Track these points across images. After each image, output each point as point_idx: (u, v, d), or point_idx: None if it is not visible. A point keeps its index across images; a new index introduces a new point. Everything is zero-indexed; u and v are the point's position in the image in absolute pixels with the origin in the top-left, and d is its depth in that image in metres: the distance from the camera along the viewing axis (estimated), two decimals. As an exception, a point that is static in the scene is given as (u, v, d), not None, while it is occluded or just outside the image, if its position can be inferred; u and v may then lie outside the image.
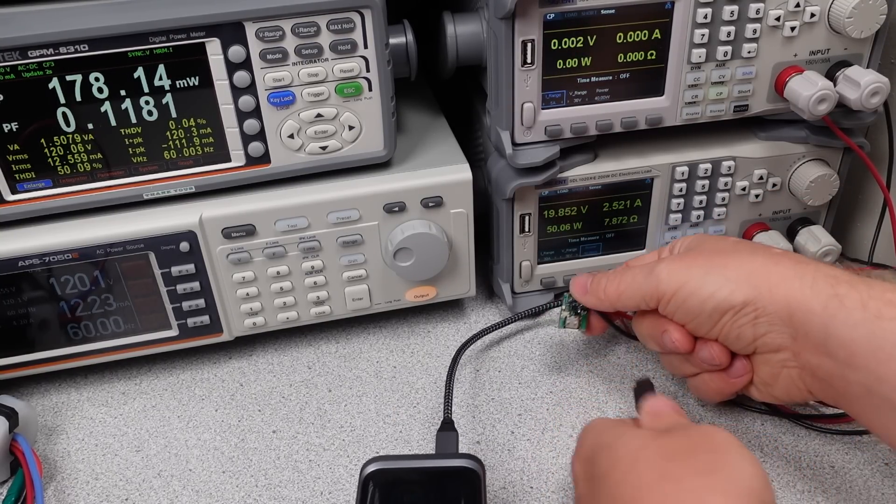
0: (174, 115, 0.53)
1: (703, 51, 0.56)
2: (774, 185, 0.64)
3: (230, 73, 0.51)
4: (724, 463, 0.38)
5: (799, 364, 0.46)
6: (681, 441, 0.41)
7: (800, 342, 0.45)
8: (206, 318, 0.60)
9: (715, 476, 0.38)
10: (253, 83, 0.52)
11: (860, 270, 0.68)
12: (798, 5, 0.55)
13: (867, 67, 0.58)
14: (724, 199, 0.64)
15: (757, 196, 0.64)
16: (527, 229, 0.63)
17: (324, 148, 0.56)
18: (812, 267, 0.46)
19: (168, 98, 0.52)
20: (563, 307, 0.58)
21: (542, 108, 0.57)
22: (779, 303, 0.45)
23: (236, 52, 0.51)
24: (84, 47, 0.49)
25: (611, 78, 0.57)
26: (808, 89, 0.55)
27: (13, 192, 0.53)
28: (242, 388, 0.62)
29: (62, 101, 0.50)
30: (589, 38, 0.55)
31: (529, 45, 0.54)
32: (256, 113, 0.53)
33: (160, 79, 0.51)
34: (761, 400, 0.51)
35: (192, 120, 0.53)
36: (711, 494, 0.36)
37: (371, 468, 0.46)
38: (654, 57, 0.56)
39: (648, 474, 0.39)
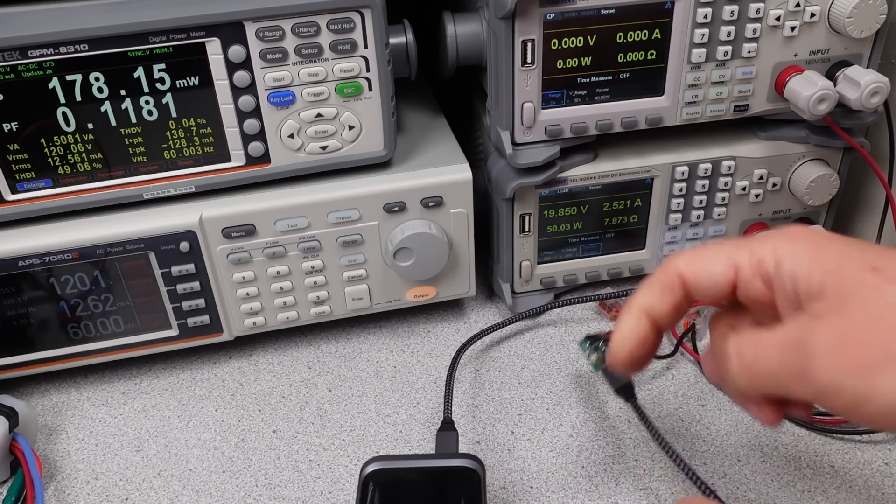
0: (174, 114, 0.53)
1: (703, 51, 0.56)
2: (774, 184, 0.64)
3: (230, 73, 0.51)
4: None
5: None
6: None
7: None
8: (206, 318, 0.60)
9: None
10: (253, 83, 0.52)
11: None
12: (798, 5, 0.55)
13: (867, 67, 0.58)
14: (724, 198, 0.64)
15: (757, 196, 0.64)
16: (527, 229, 0.63)
17: (324, 148, 0.56)
18: None
19: (168, 98, 0.52)
20: (589, 351, 0.54)
21: (542, 108, 0.57)
22: None
23: (236, 51, 0.51)
24: (84, 47, 0.49)
25: (611, 78, 0.57)
26: (808, 89, 0.55)
27: (13, 191, 0.53)
28: (242, 388, 0.62)
29: (62, 100, 0.50)
30: (589, 37, 0.55)
31: (529, 44, 0.54)
32: (256, 113, 0.53)
33: (160, 79, 0.51)
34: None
35: (192, 120, 0.53)
36: None
37: (371, 468, 0.46)
38: (654, 57, 0.56)
39: None
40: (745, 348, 0.34)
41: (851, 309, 0.31)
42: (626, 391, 0.54)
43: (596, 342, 0.56)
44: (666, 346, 0.64)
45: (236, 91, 0.52)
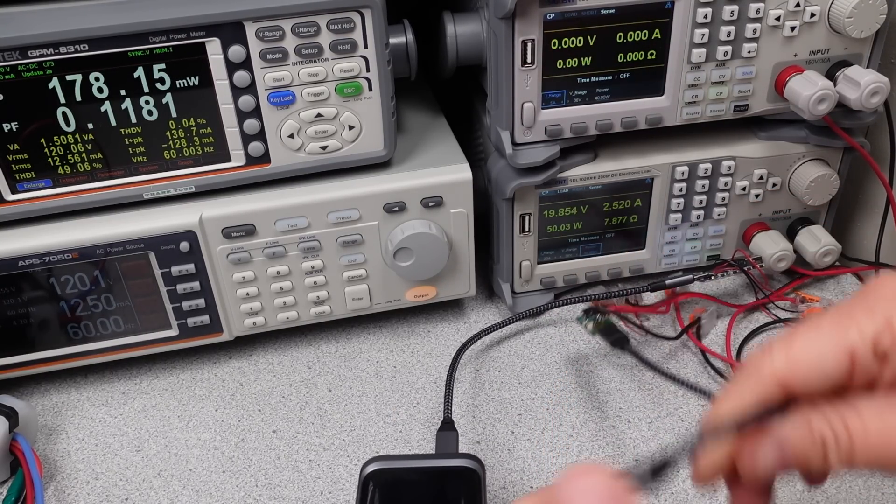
0: (174, 114, 0.53)
1: (703, 51, 0.56)
2: (774, 184, 0.64)
3: (230, 73, 0.51)
4: None
5: None
6: None
7: None
8: (206, 318, 0.60)
9: None
10: (253, 83, 0.52)
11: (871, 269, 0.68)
12: (798, 5, 0.55)
13: (867, 67, 0.58)
14: (724, 198, 0.64)
15: (757, 196, 0.64)
16: (527, 229, 0.63)
17: (324, 148, 0.56)
18: None
19: (168, 98, 0.52)
20: (585, 322, 0.58)
21: (542, 108, 0.57)
22: None
23: (236, 51, 0.51)
24: (84, 47, 0.49)
25: (611, 78, 0.57)
26: (808, 89, 0.55)
27: (13, 191, 0.53)
28: (242, 388, 0.62)
29: (62, 100, 0.50)
30: (589, 37, 0.55)
31: (529, 44, 0.54)
32: (256, 113, 0.53)
33: (160, 79, 0.51)
34: None
35: (192, 120, 0.53)
36: None
37: (371, 468, 0.46)
38: (654, 57, 0.56)
39: None
40: (871, 422, 0.28)
41: None
42: (621, 342, 0.58)
43: (593, 314, 0.60)
44: (668, 331, 0.64)
45: (236, 91, 0.52)
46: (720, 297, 0.66)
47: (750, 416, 0.30)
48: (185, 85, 0.52)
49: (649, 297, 0.66)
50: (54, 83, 0.50)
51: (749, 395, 0.30)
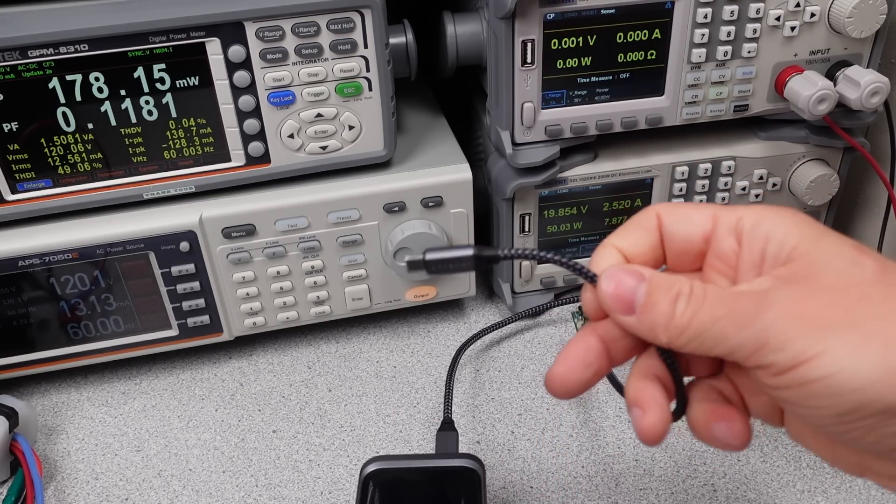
0: (174, 114, 0.53)
1: (703, 51, 0.56)
2: (774, 185, 0.64)
3: (230, 73, 0.51)
4: None
5: None
6: None
7: None
8: (206, 318, 0.60)
9: None
10: (253, 83, 0.52)
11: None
12: (798, 5, 0.55)
13: (867, 67, 0.58)
14: (724, 199, 0.64)
15: (757, 196, 0.64)
16: (527, 229, 0.63)
17: (324, 148, 0.56)
18: None
19: (168, 98, 0.52)
20: (578, 320, 0.61)
21: (542, 108, 0.57)
22: None
23: (236, 51, 0.51)
24: (84, 47, 0.49)
25: (611, 78, 0.57)
26: (808, 89, 0.55)
27: (13, 191, 0.53)
28: (242, 388, 0.62)
29: (62, 100, 0.50)
30: (589, 37, 0.55)
31: (529, 44, 0.54)
32: (256, 113, 0.53)
33: (160, 79, 0.51)
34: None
35: (192, 120, 0.53)
36: None
37: (371, 468, 0.46)
38: (654, 57, 0.56)
39: None
40: (695, 289, 0.30)
41: (823, 273, 0.29)
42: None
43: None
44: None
45: (236, 91, 0.52)
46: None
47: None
48: (185, 85, 0.52)
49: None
50: (54, 83, 0.50)
51: (632, 223, 0.34)
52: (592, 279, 0.32)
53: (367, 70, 0.53)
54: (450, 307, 0.68)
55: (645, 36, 0.55)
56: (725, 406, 0.33)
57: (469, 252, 0.34)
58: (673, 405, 0.33)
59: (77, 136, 0.52)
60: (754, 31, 0.55)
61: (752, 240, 0.31)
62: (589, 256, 0.66)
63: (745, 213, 0.32)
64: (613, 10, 0.54)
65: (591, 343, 0.33)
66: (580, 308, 0.63)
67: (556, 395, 0.33)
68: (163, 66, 0.51)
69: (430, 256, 0.34)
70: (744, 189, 0.63)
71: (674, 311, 0.30)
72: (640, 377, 0.33)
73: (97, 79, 0.50)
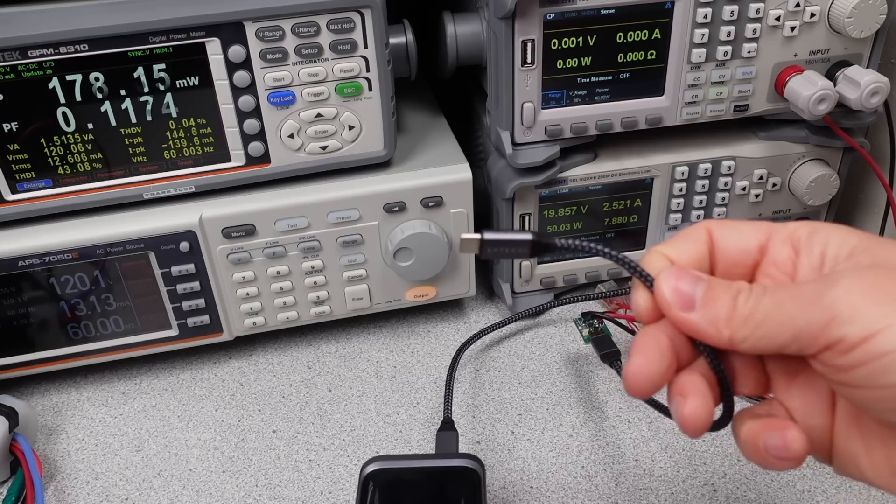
0: (174, 114, 0.53)
1: (703, 51, 0.56)
2: (774, 184, 0.64)
3: (230, 73, 0.51)
4: None
5: None
6: None
7: None
8: (206, 318, 0.60)
9: None
10: (253, 83, 0.52)
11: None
12: (798, 5, 0.55)
13: (867, 67, 0.58)
14: (724, 198, 0.64)
15: (757, 196, 0.64)
16: (527, 229, 0.63)
17: (324, 148, 0.56)
18: None
19: (168, 98, 0.52)
20: (582, 327, 0.62)
21: (542, 108, 0.57)
22: None
23: (236, 51, 0.51)
24: (84, 47, 0.49)
25: (611, 78, 0.57)
26: (808, 89, 0.55)
27: (13, 191, 0.53)
28: (242, 388, 0.62)
29: (62, 100, 0.50)
30: (589, 38, 0.55)
31: (529, 44, 0.54)
32: (256, 113, 0.53)
33: (160, 79, 0.51)
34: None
35: (192, 120, 0.53)
36: None
37: (371, 468, 0.46)
38: (654, 57, 0.56)
39: None
40: (755, 286, 0.30)
41: (888, 260, 0.29)
42: (611, 357, 0.59)
43: (591, 319, 0.63)
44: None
45: (236, 91, 0.52)
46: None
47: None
48: (185, 85, 0.52)
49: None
50: (54, 83, 0.50)
51: (681, 235, 0.34)
52: (647, 279, 0.32)
53: (367, 70, 0.53)
54: (450, 307, 0.68)
55: (645, 36, 0.55)
56: (776, 419, 0.32)
57: (527, 237, 0.33)
58: (719, 411, 0.32)
59: (77, 136, 0.52)
60: (754, 31, 0.55)
61: (811, 245, 0.31)
62: (589, 256, 0.66)
63: (798, 225, 0.33)
64: (613, 10, 0.54)
65: (657, 335, 0.32)
66: (583, 314, 0.63)
67: (637, 390, 0.32)
68: (163, 66, 0.51)
69: (487, 236, 0.33)
70: (744, 189, 0.63)
71: (735, 304, 0.30)
72: (683, 374, 0.32)
73: (97, 79, 0.50)
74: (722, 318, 0.30)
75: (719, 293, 0.31)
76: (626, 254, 0.33)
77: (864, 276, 0.28)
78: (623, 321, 0.62)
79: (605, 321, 0.63)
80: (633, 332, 0.62)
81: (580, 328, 0.64)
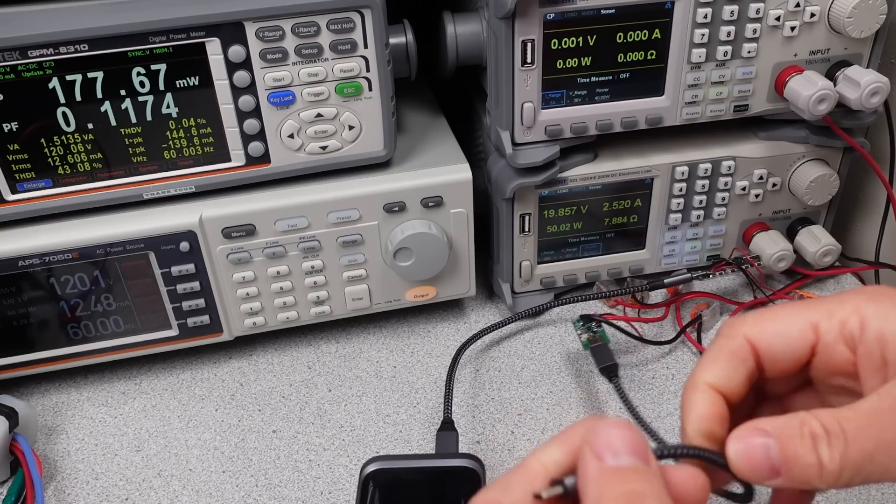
0: (174, 114, 0.53)
1: (703, 51, 0.56)
2: (774, 184, 0.64)
3: (230, 73, 0.51)
4: None
5: None
6: None
7: None
8: (206, 318, 0.60)
9: None
10: (253, 83, 0.52)
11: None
12: (798, 5, 0.55)
13: (867, 67, 0.58)
14: (724, 198, 0.64)
15: (757, 196, 0.64)
16: (527, 229, 0.63)
17: (324, 148, 0.56)
18: None
19: (168, 98, 0.52)
20: (581, 331, 0.61)
21: (542, 108, 0.57)
22: None
23: (236, 51, 0.51)
24: (84, 47, 0.49)
25: (611, 78, 0.57)
26: (808, 89, 0.55)
27: (13, 191, 0.53)
28: (242, 388, 0.62)
29: (62, 100, 0.50)
30: (589, 37, 0.55)
31: (529, 44, 0.54)
32: (256, 113, 0.53)
33: (160, 79, 0.51)
34: None
35: (192, 120, 0.53)
36: None
37: (371, 468, 0.46)
38: (654, 57, 0.56)
39: None
40: (828, 424, 0.28)
41: None
42: (609, 371, 0.59)
43: (589, 322, 0.63)
44: (669, 331, 0.64)
45: (236, 91, 0.52)
46: (721, 296, 0.66)
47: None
48: (185, 85, 0.52)
49: (652, 298, 0.66)
50: (54, 83, 0.50)
51: (724, 355, 0.31)
52: (724, 465, 0.29)
53: (367, 70, 0.53)
54: (450, 307, 0.68)
55: (645, 36, 0.55)
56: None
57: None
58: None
59: (77, 136, 0.52)
60: (754, 31, 0.55)
61: (867, 345, 0.29)
62: (589, 256, 0.66)
63: (846, 316, 0.30)
64: (613, 10, 0.54)
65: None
66: (581, 317, 0.63)
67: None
68: (163, 66, 0.51)
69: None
70: (744, 189, 0.63)
71: (820, 459, 0.27)
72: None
73: (97, 79, 0.50)
74: (813, 476, 0.28)
75: (795, 448, 0.28)
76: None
77: None
78: (621, 323, 0.62)
79: (604, 324, 0.62)
80: (630, 335, 0.62)
81: (578, 332, 0.64)
